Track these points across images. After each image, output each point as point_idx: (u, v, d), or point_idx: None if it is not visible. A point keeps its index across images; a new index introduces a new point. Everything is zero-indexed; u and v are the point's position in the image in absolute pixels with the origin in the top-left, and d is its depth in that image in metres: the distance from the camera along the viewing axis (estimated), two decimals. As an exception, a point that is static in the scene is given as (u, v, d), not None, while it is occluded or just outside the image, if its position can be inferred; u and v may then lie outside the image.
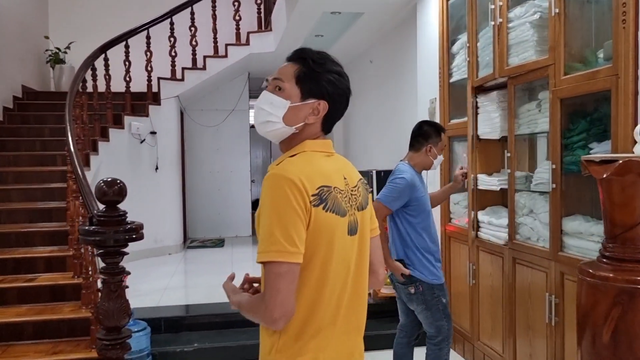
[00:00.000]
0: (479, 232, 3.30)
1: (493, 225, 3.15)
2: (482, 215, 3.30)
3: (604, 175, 1.76)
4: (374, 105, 6.25)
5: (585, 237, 2.37)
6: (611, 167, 1.74)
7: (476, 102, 3.33)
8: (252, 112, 13.24)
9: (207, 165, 7.89)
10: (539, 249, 2.68)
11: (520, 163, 3.05)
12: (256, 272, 1.28)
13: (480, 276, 3.29)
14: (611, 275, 1.78)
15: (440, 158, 2.74)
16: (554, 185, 2.50)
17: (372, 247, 1.35)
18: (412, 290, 2.61)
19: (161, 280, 5.07)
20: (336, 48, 6.34)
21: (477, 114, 3.32)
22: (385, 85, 5.80)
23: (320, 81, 1.25)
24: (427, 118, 4.10)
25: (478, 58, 3.25)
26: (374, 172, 4.89)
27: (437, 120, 3.88)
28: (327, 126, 1.30)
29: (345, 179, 1.26)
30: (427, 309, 2.62)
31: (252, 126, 8.13)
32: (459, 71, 3.54)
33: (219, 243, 7.32)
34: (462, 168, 3.15)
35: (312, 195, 1.14)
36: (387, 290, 3.93)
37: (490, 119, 3.18)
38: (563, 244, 2.51)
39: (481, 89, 3.30)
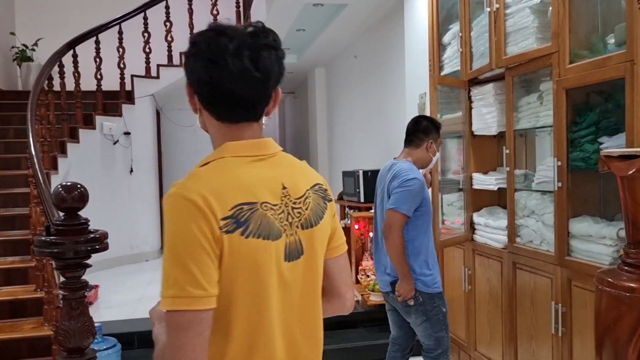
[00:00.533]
0: (474, 235, 3.09)
1: (490, 228, 2.94)
2: (477, 217, 3.09)
3: (629, 172, 1.54)
4: (359, 102, 6.02)
5: (596, 240, 2.17)
6: (637, 162, 1.53)
7: (469, 96, 3.12)
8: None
9: (186, 167, 7.52)
10: (543, 253, 2.47)
11: (519, 160, 2.84)
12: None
13: (477, 281, 3.08)
14: (636, 285, 1.57)
15: (438, 155, 2.53)
16: (560, 184, 2.29)
17: (337, 268, 1.08)
18: (412, 303, 2.37)
19: (136, 290, 4.76)
20: (319, 43, 6.11)
21: (470, 108, 3.11)
22: (370, 81, 5.57)
23: (187, 58, 0.98)
24: (416, 114, 3.89)
25: (472, 48, 3.04)
26: (361, 172, 4.66)
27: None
28: (223, 113, 0.97)
29: (284, 188, 0.96)
30: (427, 320, 2.39)
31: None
32: (451, 63, 3.33)
33: (199, 248, 7.02)
34: None
35: (223, 219, 0.86)
36: (376, 298, 3.70)
37: (485, 114, 2.97)
38: (570, 247, 2.30)
39: (475, 82, 3.09)
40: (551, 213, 2.42)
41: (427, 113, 3.67)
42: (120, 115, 5.93)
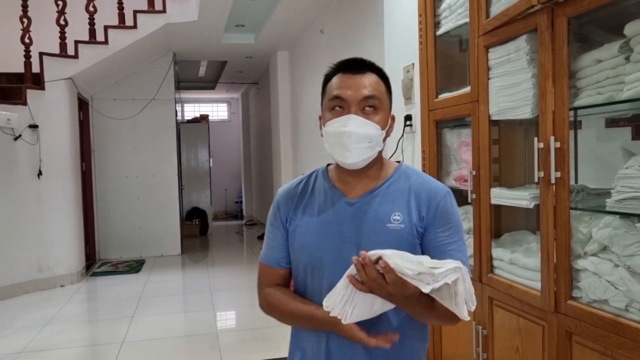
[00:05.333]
0: (492, 275, 2.00)
1: (519, 267, 1.85)
2: (497, 248, 2.00)
3: None
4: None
5: None
6: None
7: (486, 62, 2.02)
8: (186, 106, 11.22)
9: (123, 168, 6.36)
10: (637, 329, 1.38)
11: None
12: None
13: (497, 348, 1.99)
14: None
15: (334, 126, 1.15)
16: (682, 205, 1.21)
17: None
18: None
19: (25, 335, 3.54)
20: (278, 15, 4.97)
21: (487, 78, 2.01)
22: (341, 59, 4.45)
23: None
24: (400, 94, 2.80)
25: (489, -15, 1.95)
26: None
27: (417, 96, 2.56)
28: None
29: None
30: None
31: (191, 121, 6.41)
32: (453, 15, 2.23)
33: (136, 266, 5.80)
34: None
35: None
36: None
37: (514, 85, 1.87)
38: (701, 326, 1.21)
39: (491, 41, 2.00)
40: (652, 256, 1.33)
41: (416, 90, 2.57)
42: (24, 103, 4.70)
